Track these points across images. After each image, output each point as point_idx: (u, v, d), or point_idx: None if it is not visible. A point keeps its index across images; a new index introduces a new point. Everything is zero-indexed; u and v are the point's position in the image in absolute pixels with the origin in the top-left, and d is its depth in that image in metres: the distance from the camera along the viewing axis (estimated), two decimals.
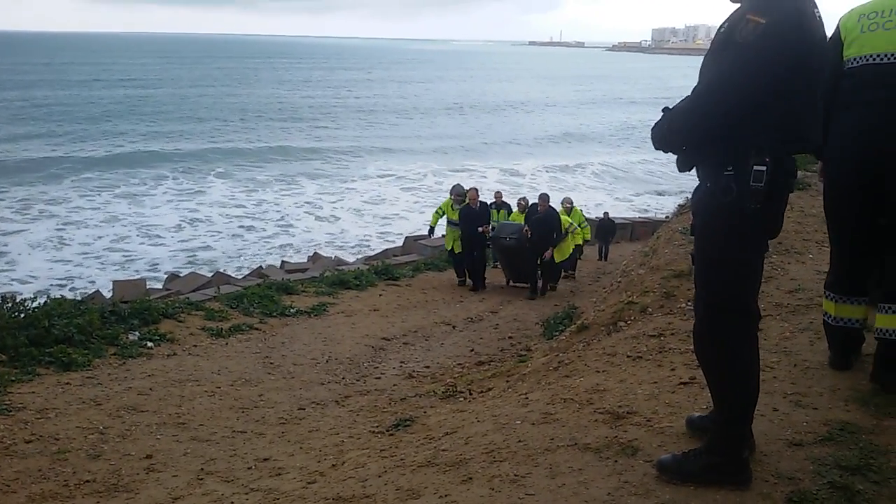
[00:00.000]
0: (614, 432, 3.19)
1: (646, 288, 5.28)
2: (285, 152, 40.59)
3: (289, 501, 3.47)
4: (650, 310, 4.95)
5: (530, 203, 13.54)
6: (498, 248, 13.30)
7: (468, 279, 12.99)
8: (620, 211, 27.51)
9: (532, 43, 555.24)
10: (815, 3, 2.48)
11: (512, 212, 14.07)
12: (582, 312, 7.06)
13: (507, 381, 5.24)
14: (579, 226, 14.51)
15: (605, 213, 19.01)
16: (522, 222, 12.85)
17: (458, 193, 13.46)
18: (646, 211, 28.14)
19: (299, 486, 3.68)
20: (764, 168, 2.38)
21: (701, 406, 3.28)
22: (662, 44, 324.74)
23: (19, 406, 5.13)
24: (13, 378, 5.63)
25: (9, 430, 4.73)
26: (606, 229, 17.70)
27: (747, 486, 2.61)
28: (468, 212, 12.99)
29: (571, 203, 15.41)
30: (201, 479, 4.14)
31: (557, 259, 12.90)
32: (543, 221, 12.54)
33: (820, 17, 2.48)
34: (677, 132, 2.53)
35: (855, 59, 3.27)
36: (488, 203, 14.34)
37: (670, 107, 2.62)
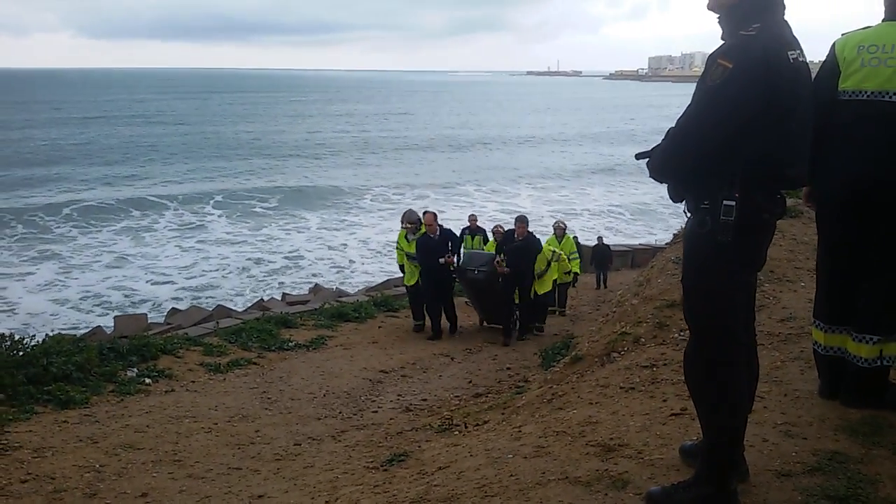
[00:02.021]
0: (605, 465, 3.20)
1: (639, 318, 5.30)
2: (285, 188, 40.76)
3: None
4: (643, 340, 4.97)
5: (507, 229, 11.61)
6: (465, 283, 11.32)
7: (426, 323, 10.99)
8: (621, 238, 27.60)
9: (530, 73, 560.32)
10: (792, 45, 2.54)
11: (488, 240, 12.59)
12: (577, 343, 7.07)
13: (503, 414, 5.23)
14: (569, 256, 12.90)
15: (600, 238, 18.24)
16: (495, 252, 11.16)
17: (411, 221, 11.16)
18: (647, 236, 28.24)
19: None
20: (733, 203, 2.48)
21: (691, 437, 3.29)
22: (659, 71, 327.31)
23: (16, 445, 5.13)
24: (10, 417, 5.65)
25: (4, 470, 4.73)
26: (602, 255, 17.06)
27: None
28: (425, 242, 10.82)
29: (565, 227, 13.93)
30: None
31: (540, 290, 11.10)
32: (523, 250, 10.68)
33: (797, 58, 2.53)
34: (659, 171, 2.65)
35: (853, 92, 3.23)
36: (462, 229, 12.81)
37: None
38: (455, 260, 10.96)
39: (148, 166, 47.38)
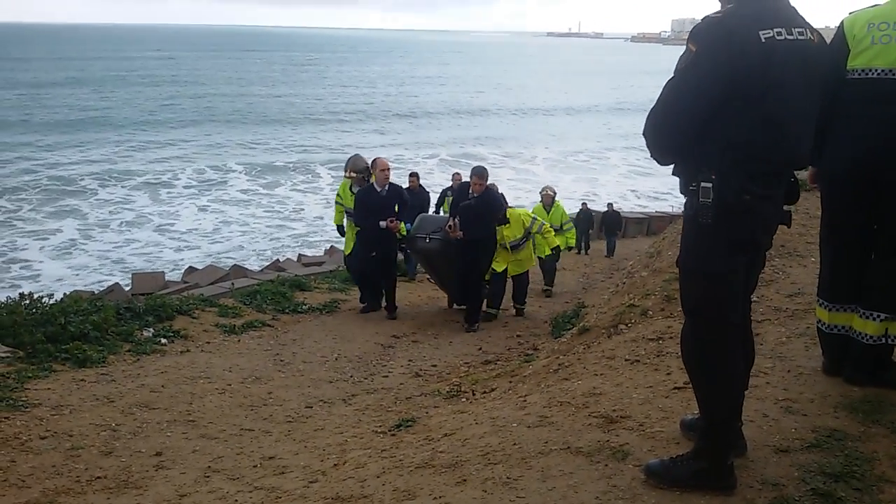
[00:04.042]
0: (607, 436, 3.26)
1: (647, 290, 5.32)
2: (307, 150, 40.86)
3: (290, 500, 3.57)
4: (651, 313, 4.99)
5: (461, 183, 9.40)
6: (417, 254, 9.52)
7: (370, 303, 9.21)
8: (643, 202, 27.50)
9: (550, 34, 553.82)
10: (768, 24, 2.44)
11: None
12: (586, 313, 7.11)
13: (510, 382, 5.31)
14: (561, 227, 11.54)
15: (609, 205, 17.92)
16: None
17: (356, 169, 8.85)
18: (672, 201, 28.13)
19: (301, 485, 3.78)
20: (710, 185, 2.47)
21: (693, 411, 3.33)
22: (682, 35, 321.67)
23: (35, 402, 5.26)
24: (30, 374, 5.78)
25: (25, 426, 4.86)
26: (612, 222, 16.88)
27: (732, 491, 2.68)
28: (365, 197, 8.62)
29: (554, 195, 12.05)
30: (208, 477, 4.25)
31: (514, 271, 9.35)
32: (475, 210, 8.51)
33: (772, 37, 2.43)
34: (651, 149, 2.63)
35: (863, 70, 3.22)
36: (443, 189, 11.16)
37: None
38: (398, 225, 8.86)
39: (167, 130, 47.16)
